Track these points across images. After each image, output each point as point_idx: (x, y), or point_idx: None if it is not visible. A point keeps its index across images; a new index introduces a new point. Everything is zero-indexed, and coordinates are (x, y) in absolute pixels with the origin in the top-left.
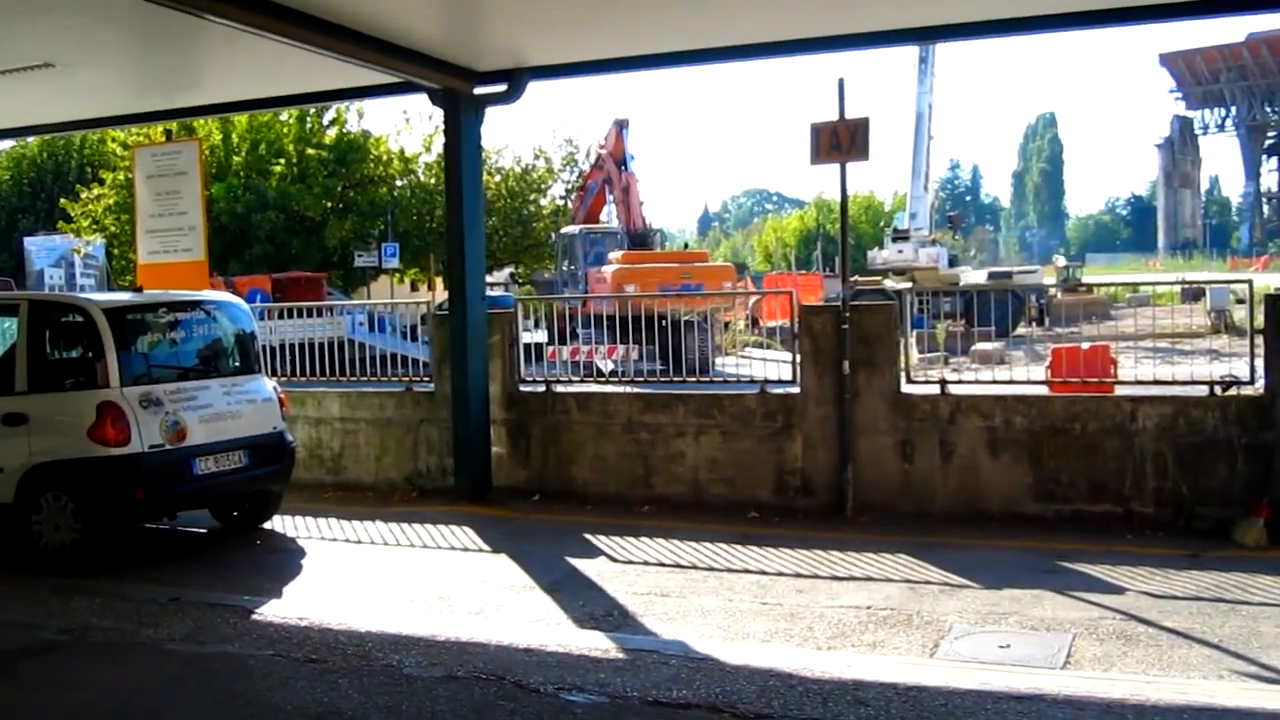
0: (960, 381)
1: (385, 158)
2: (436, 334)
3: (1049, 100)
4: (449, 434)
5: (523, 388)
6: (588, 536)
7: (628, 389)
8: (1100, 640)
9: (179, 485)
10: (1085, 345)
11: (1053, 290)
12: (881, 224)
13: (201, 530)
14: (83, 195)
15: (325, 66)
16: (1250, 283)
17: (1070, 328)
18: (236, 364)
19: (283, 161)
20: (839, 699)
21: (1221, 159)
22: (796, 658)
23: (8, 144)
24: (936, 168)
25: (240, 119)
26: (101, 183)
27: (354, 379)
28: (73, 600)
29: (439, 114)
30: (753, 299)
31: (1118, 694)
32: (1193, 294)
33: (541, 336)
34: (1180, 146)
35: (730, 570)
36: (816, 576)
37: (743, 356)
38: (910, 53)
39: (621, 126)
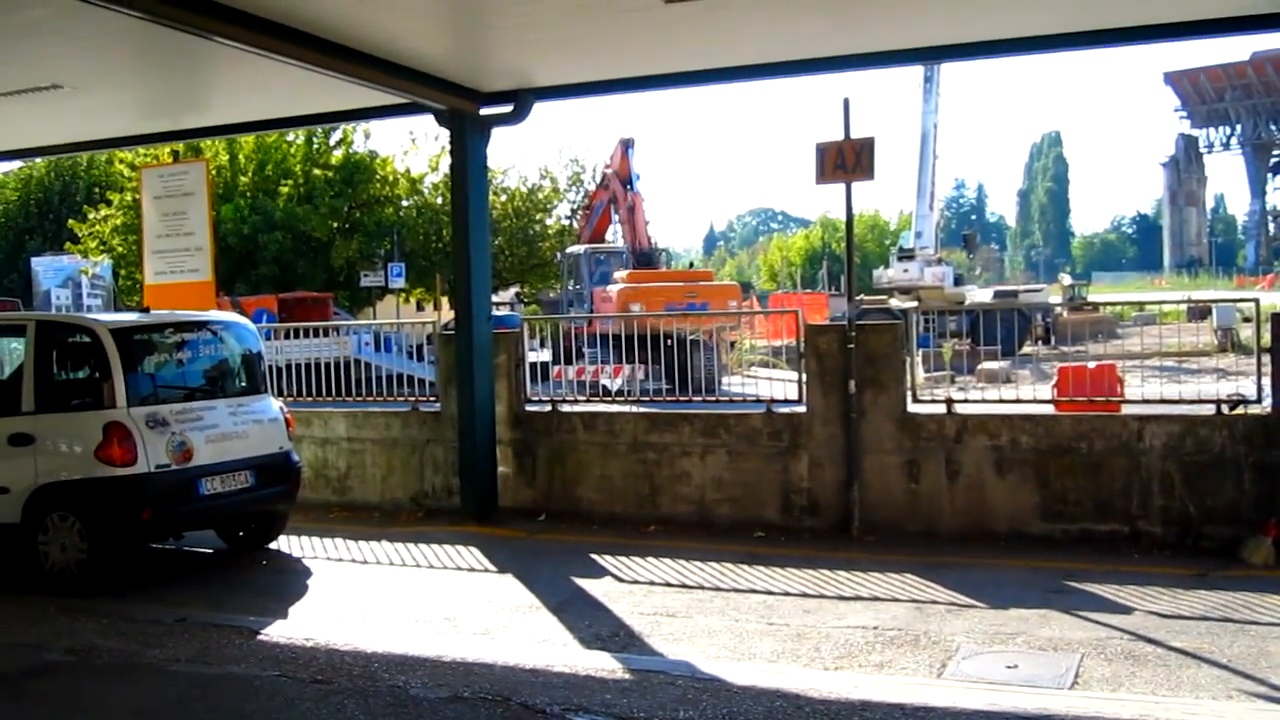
0: (966, 401)
1: (392, 178)
2: (442, 354)
3: (1054, 119)
4: (455, 454)
5: (529, 407)
6: (594, 557)
7: (633, 408)
8: (1108, 660)
9: (185, 505)
10: (1091, 364)
11: (1058, 309)
12: (887, 243)
13: (208, 550)
14: (90, 216)
15: (332, 88)
16: (1257, 301)
17: (1076, 346)
18: (243, 384)
19: (290, 182)
20: None
21: (1227, 177)
22: (803, 678)
23: (16, 165)
24: (942, 187)
25: (247, 140)
26: (109, 203)
27: (360, 399)
28: (79, 621)
29: (445, 134)
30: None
31: (1126, 714)
32: (1199, 312)
33: (547, 356)
34: (1185, 165)
35: (737, 590)
36: (823, 596)
37: (749, 376)
38: (915, 72)
39: (627, 146)
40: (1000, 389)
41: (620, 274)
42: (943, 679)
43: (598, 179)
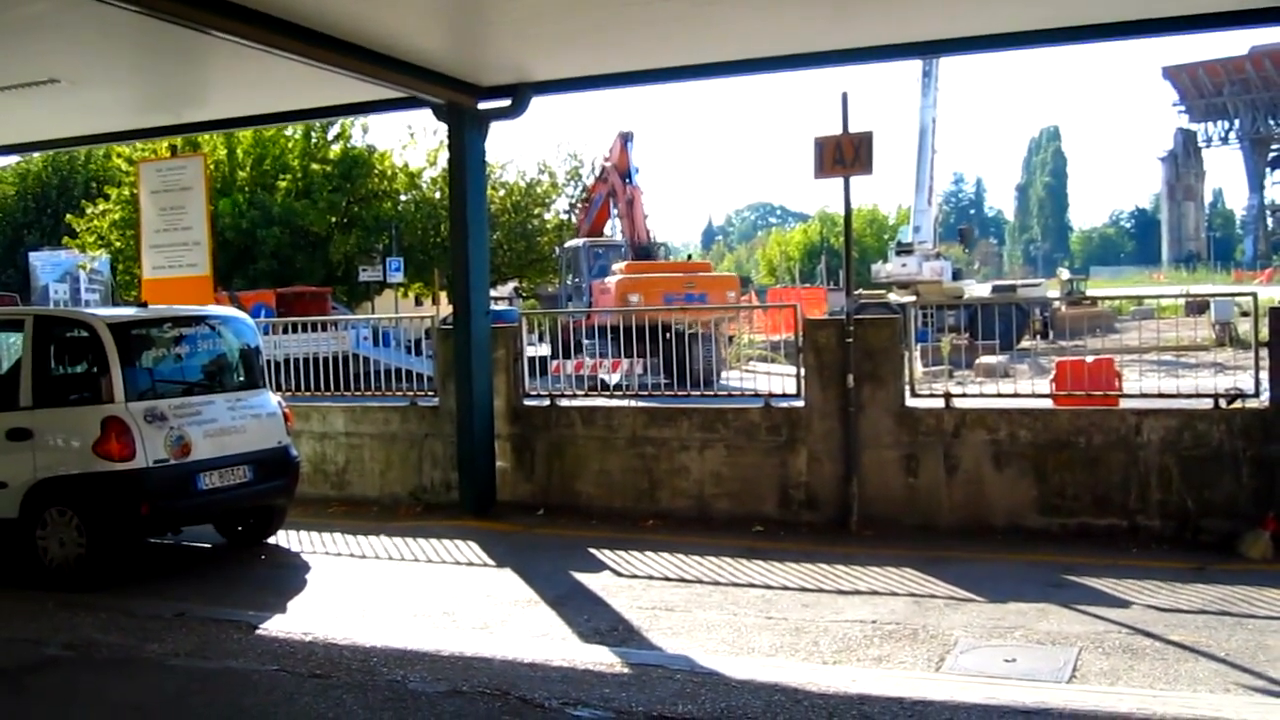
0: (965, 395)
1: (390, 172)
2: (441, 348)
3: (1053, 113)
4: (453, 449)
5: (527, 402)
6: (592, 551)
7: (632, 403)
8: (1106, 654)
9: (184, 500)
10: (1089, 358)
11: (1057, 303)
12: (885, 237)
13: (206, 545)
14: (88, 211)
15: (330, 82)
16: (1255, 295)
17: (1074, 341)
18: (241, 379)
19: (288, 177)
20: (844, 713)
21: (1225, 172)
22: (802, 672)
23: (13, 160)
24: (940, 181)
25: (245, 134)
26: (107, 198)
27: (358, 394)
28: (78, 615)
29: (443, 129)
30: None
31: (1124, 708)
32: (1197, 307)
33: (545, 350)
34: (1184, 159)
35: (735, 584)
36: (821, 591)
37: (747, 371)
38: (914, 66)
39: (626, 139)
40: (998, 383)
41: (619, 265)
42: (941, 673)
43: (596, 172)
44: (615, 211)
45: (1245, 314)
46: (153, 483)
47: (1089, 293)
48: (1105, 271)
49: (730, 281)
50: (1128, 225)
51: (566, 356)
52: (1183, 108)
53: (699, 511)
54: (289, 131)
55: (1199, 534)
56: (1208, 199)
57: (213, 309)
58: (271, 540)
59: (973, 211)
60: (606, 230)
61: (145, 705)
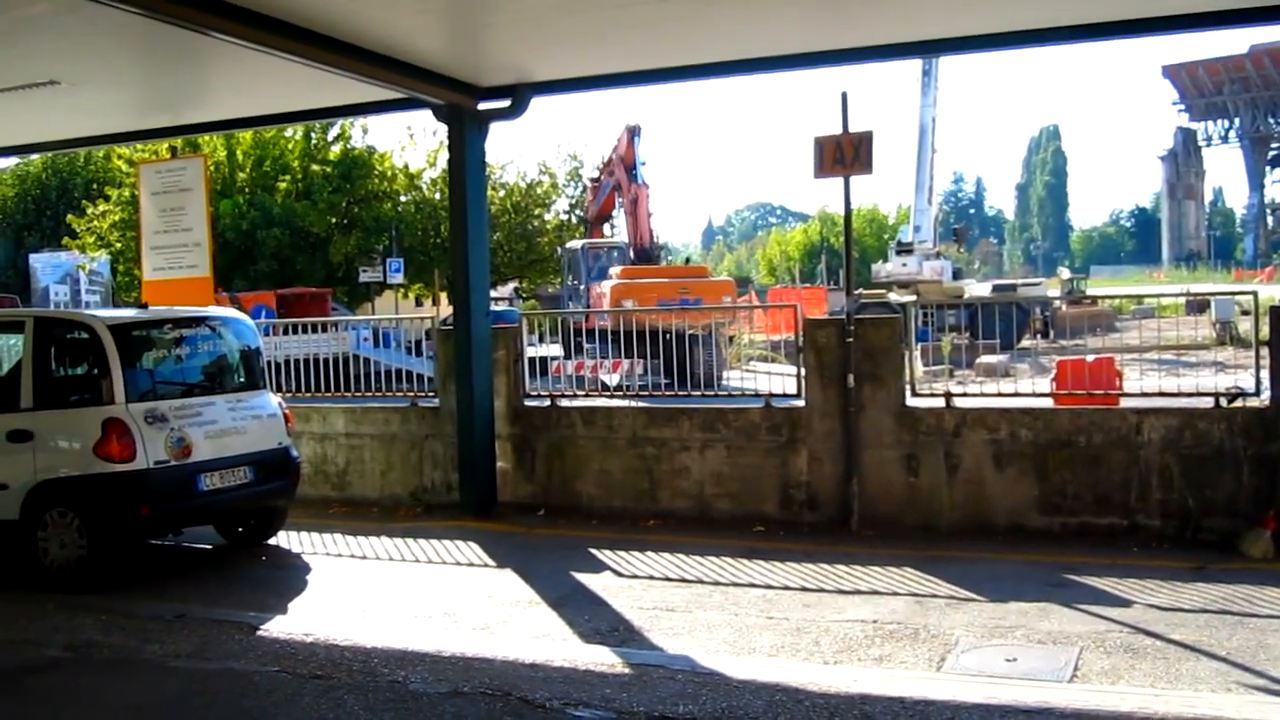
0: (965, 394)
1: (390, 173)
2: (441, 349)
3: (1052, 113)
4: (454, 449)
5: (527, 402)
6: (593, 551)
7: (632, 403)
8: (1107, 653)
9: (184, 501)
10: (1090, 357)
11: (1057, 302)
12: (885, 237)
13: (207, 546)
14: (88, 212)
15: (330, 83)
16: (1255, 294)
17: (1075, 340)
18: (241, 380)
19: (288, 178)
20: (846, 713)
21: (1225, 171)
22: (803, 672)
23: (13, 161)
24: (940, 181)
25: (245, 135)
26: (107, 199)
27: (359, 394)
28: (78, 617)
29: (443, 129)
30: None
31: (1125, 707)
32: (1197, 306)
33: (545, 351)
34: (1184, 158)
35: (736, 584)
36: (822, 590)
37: (747, 371)
38: (913, 66)
39: (634, 133)
40: (999, 383)
41: (615, 270)
42: (942, 672)
43: (604, 160)
44: (620, 206)
45: (1246, 313)
46: (153, 484)
47: (1089, 292)
48: (1105, 270)
49: (726, 286)
50: (1128, 224)
51: (568, 357)
52: (1183, 106)
53: (699, 511)
54: (289, 132)
55: (1200, 533)
56: (1208, 198)
57: (213, 310)
58: (272, 541)
59: (973, 211)
60: (608, 227)
61: (146, 706)
